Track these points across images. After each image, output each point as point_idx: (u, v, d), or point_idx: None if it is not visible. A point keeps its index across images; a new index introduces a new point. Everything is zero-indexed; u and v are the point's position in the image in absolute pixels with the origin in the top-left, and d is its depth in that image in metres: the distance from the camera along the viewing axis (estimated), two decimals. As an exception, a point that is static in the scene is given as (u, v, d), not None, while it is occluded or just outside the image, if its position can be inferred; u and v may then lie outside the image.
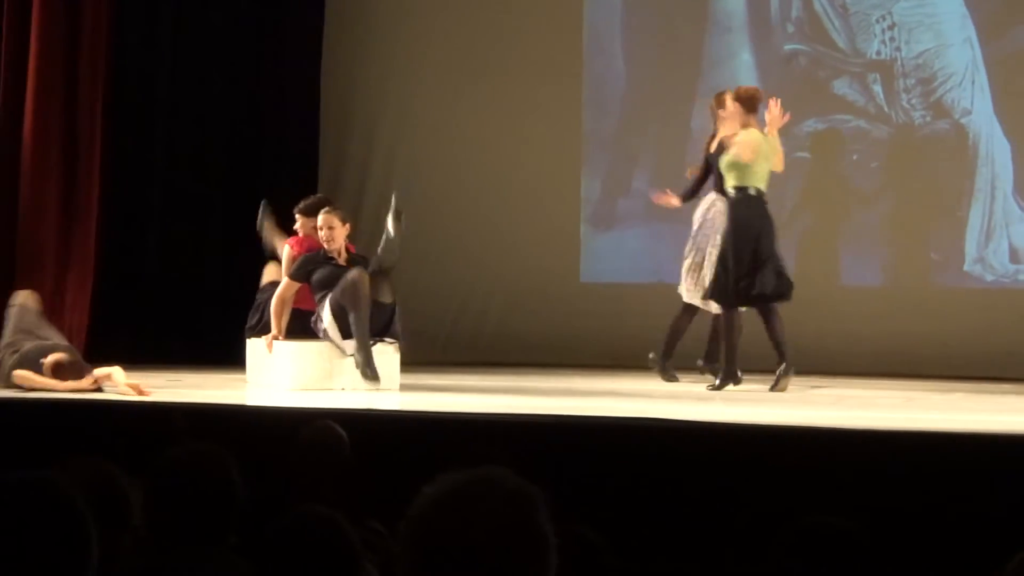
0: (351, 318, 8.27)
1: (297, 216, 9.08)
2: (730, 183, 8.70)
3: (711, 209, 9.10)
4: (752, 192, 8.65)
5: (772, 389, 8.52)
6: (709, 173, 9.12)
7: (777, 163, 8.81)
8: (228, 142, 11.11)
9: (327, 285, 8.44)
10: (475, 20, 11.46)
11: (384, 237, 8.45)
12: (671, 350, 9.24)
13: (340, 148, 11.62)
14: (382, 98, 11.62)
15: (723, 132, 8.99)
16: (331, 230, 8.55)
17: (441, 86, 11.43)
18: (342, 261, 8.56)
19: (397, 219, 8.42)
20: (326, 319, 8.41)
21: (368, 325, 8.27)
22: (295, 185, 10.49)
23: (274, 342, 8.56)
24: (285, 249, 9.06)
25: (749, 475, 5.91)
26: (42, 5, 9.89)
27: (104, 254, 10.25)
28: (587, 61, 11.38)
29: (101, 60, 10.15)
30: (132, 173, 10.67)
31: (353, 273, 8.30)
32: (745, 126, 8.73)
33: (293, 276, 8.65)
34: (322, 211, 8.68)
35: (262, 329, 8.83)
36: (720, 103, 9.04)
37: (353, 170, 11.58)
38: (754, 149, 8.62)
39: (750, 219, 8.64)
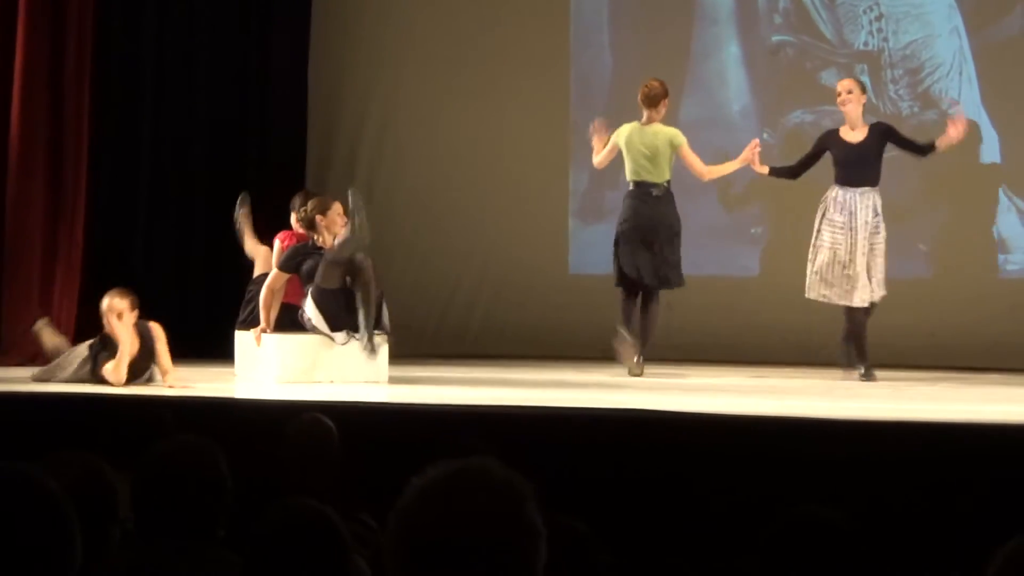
0: (358, 298, 8.30)
1: (293, 214, 9.09)
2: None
3: (865, 204, 9.13)
4: (630, 187, 9.13)
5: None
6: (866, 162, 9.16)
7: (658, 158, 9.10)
8: (214, 137, 11.08)
9: (315, 276, 8.44)
10: (462, 13, 11.45)
11: (345, 231, 8.51)
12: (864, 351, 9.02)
13: (327, 143, 11.61)
14: (369, 91, 11.61)
15: (851, 119, 9.17)
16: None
17: (428, 79, 11.41)
18: (330, 252, 8.58)
19: (353, 216, 8.50)
20: (310, 310, 8.41)
21: (372, 306, 8.31)
22: (282, 181, 10.47)
23: (262, 335, 8.55)
24: (275, 243, 9.09)
25: (738, 466, 5.92)
26: (28, 3, 9.85)
27: (91, 249, 10.22)
28: (574, 53, 11.37)
29: (87, 56, 10.11)
30: (118, 168, 10.64)
31: (358, 257, 8.35)
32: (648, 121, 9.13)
33: (282, 267, 8.64)
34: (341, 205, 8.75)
35: (252, 322, 8.82)
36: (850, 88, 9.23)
37: (340, 165, 11.56)
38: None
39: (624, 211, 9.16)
